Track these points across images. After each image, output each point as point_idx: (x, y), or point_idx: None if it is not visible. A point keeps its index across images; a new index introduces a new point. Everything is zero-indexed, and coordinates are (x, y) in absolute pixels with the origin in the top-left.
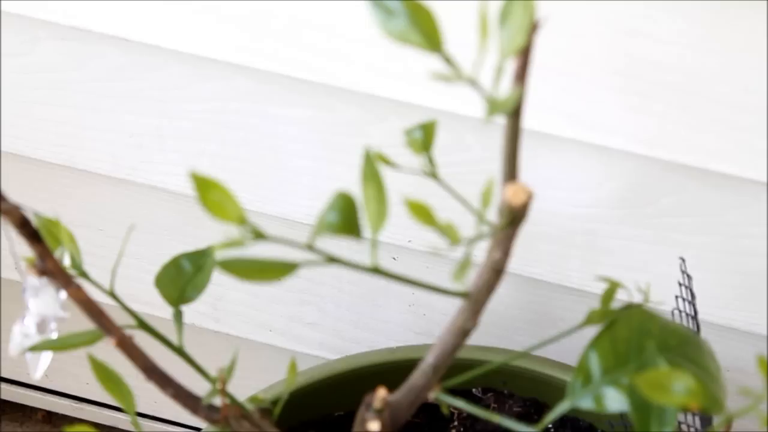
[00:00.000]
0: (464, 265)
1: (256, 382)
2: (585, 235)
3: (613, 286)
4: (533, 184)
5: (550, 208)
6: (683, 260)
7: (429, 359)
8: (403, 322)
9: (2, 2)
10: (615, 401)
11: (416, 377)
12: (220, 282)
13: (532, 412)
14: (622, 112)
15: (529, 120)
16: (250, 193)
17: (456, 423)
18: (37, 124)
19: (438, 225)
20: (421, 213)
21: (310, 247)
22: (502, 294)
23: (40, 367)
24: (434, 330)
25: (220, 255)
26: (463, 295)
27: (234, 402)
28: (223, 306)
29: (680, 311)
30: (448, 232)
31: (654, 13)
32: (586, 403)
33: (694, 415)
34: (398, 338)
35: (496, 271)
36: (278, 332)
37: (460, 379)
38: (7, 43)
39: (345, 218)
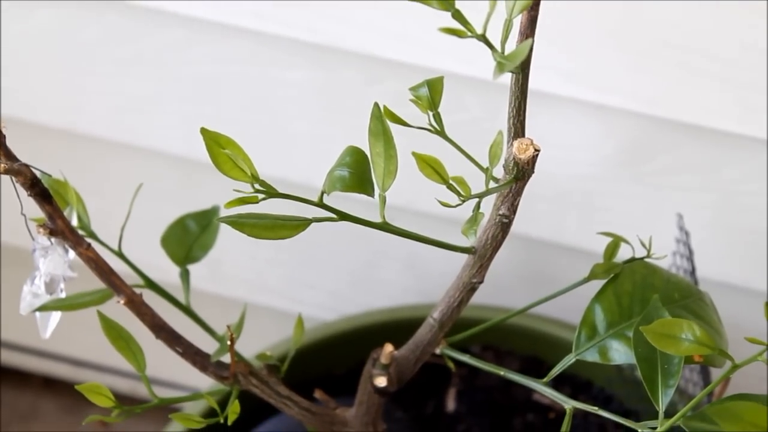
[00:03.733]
0: (474, 219)
1: (256, 345)
2: (583, 193)
3: (616, 240)
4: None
5: (548, 168)
6: (681, 217)
7: (435, 314)
8: (401, 283)
9: None
10: (620, 353)
11: (422, 332)
12: (218, 245)
13: (531, 368)
14: (620, 70)
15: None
16: (249, 155)
17: (457, 380)
18: (37, 89)
19: (448, 180)
20: (432, 167)
21: (321, 204)
22: (499, 254)
23: (49, 327)
24: (432, 291)
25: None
26: (469, 250)
27: (242, 359)
28: (223, 269)
29: (678, 267)
30: (461, 185)
31: None
32: (591, 356)
33: (691, 370)
34: (396, 300)
35: (502, 227)
36: (277, 294)
37: (464, 335)
38: (6, 9)
39: (356, 173)
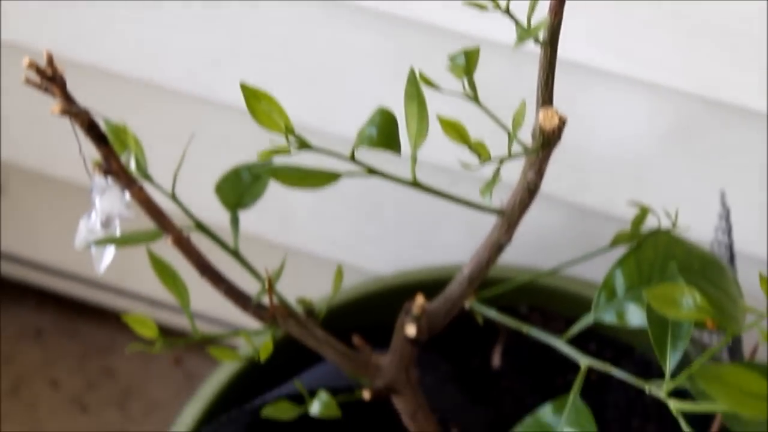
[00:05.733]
0: (492, 181)
1: (317, 294)
2: (633, 167)
3: (643, 211)
4: (585, 116)
5: (600, 141)
6: (723, 193)
7: (465, 271)
8: (462, 245)
9: None
10: (635, 316)
11: (452, 288)
12: (288, 199)
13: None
14: (671, 50)
15: (581, 54)
16: (314, 113)
17: (504, 338)
18: (118, 40)
19: (470, 142)
20: (454, 130)
21: (352, 158)
22: (555, 222)
23: (104, 262)
24: None
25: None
26: (498, 211)
27: (282, 302)
28: (291, 222)
29: (719, 243)
30: (480, 149)
31: None
32: (609, 317)
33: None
34: (457, 260)
35: (529, 191)
36: (342, 248)
37: (494, 292)
38: None
39: (384, 132)
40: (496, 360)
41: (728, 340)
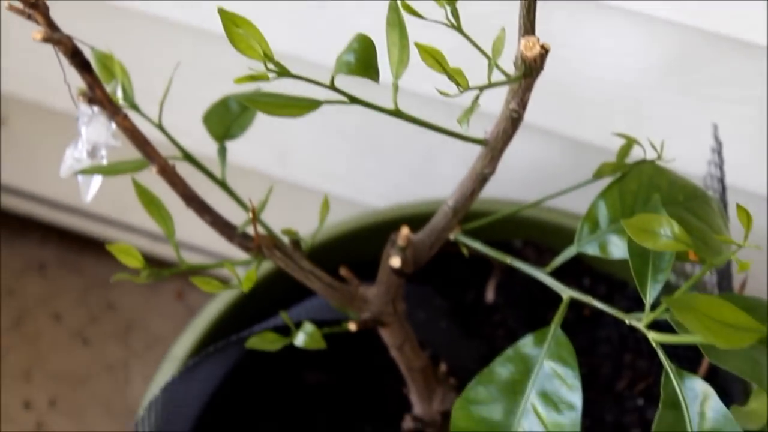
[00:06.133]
0: (470, 108)
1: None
2: (629, 100)
3: (629, 142)
4: (582, 49)
5: (596, 74)
6: (716, 127)
7: (449, 202)
8: (459, 178)
9: None
10: (618, 248)
11: (437, 219)
12: (286, 133)
13: (568, 265)
14: None
15: None
16: (295, 41)
17: (498, 273)
18: None
19: (448, 69)
20: (431, 57)
21: (331, 86)
22: (551, 156)
23: (91, 191)
24: (488, 188)
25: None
26: (482, 142)
27: (269, 233)
28: (290, 156)
29: (712, 177)
30: (458, 77)
31: None
32: (591, 249)
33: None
34: None
35: (512, 120)
36: (340, 181)
37: (477, 224)
38: None
39: (362, 59)
40: (490, 295)
41: (706, 270)
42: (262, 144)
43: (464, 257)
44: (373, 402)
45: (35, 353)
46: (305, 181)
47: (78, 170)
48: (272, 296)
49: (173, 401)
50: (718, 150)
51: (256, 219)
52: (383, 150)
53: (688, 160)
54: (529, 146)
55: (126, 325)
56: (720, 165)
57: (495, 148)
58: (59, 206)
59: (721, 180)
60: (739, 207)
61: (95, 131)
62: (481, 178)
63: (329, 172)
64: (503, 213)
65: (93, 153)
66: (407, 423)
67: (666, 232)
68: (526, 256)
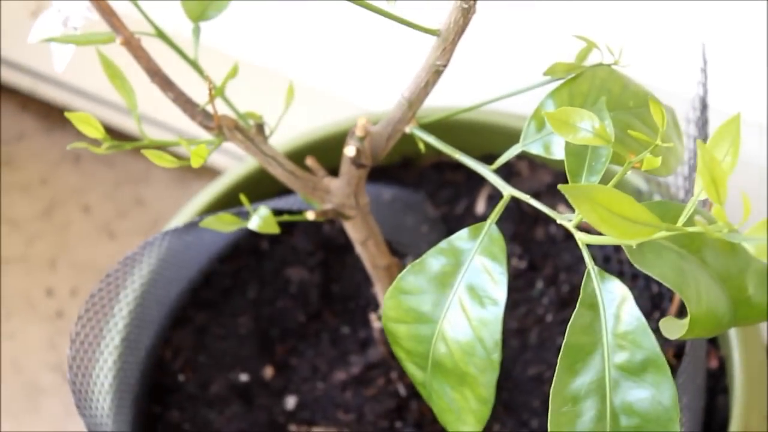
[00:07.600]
0: None
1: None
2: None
3: (589, 45)
4: None
5: None
6: (704, 45)
7: (405, 93)
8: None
9: None
10: (560, 148)
11: (394, 110)
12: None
13: (558, 181)
14: None
15: None
16: None
17: (490, 185)
18: None
19: None
20: None
21: None
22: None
23: (63, 60)
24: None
25: None
26: (433, 32)
27: (237, 115)
28: (287, 51)
29: (699, 96)
30: None
31: None
32: (536, 148)
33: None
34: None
35: (463, 11)
36: (336, 81)
37: (432, 119)
38: None
39: None
40: (480, 206)
41: (627, 169)
42: (257, 34)
43: (459, 166)
44: (353, 302)
45: (62, 243)
46: (301, 77)
47: (46, 38)
48: (270, 193)
49: (178, 249)
50: (703, 68)
51: (217, 98)
52: (382, 53)
53: (677, 81)
54: None
55: (152, 222)
56: (703, 83)
57: (447, 39)
58: (100, 101)
59: (704, 97)
60: (652, 102)
61: (69, 1)
62: (434, 70)
63: (327, 71)
64: (460, 109)
65: (65, 22)
66: (375, 322)
67: (586, 126)
68: (520, 171)
